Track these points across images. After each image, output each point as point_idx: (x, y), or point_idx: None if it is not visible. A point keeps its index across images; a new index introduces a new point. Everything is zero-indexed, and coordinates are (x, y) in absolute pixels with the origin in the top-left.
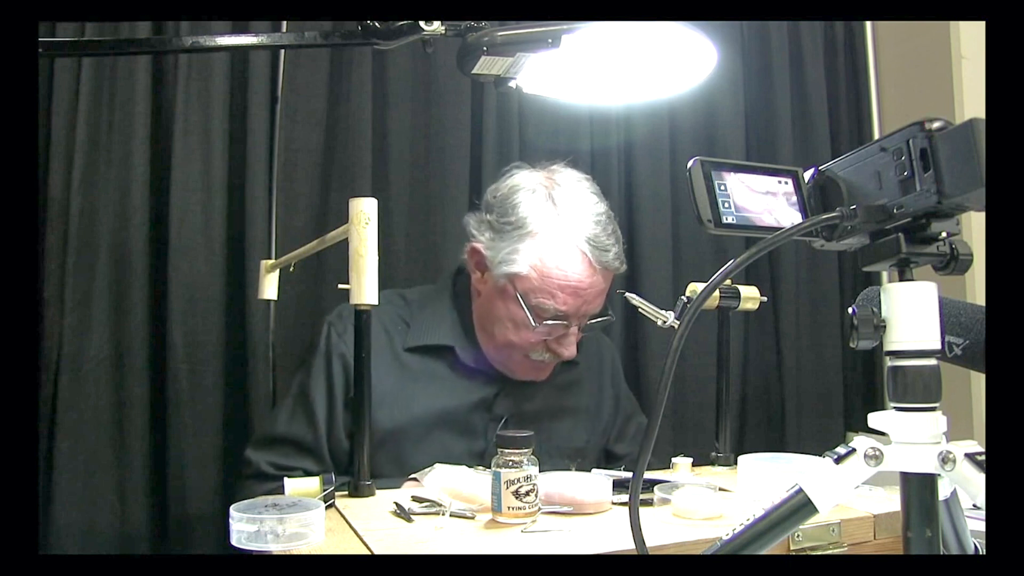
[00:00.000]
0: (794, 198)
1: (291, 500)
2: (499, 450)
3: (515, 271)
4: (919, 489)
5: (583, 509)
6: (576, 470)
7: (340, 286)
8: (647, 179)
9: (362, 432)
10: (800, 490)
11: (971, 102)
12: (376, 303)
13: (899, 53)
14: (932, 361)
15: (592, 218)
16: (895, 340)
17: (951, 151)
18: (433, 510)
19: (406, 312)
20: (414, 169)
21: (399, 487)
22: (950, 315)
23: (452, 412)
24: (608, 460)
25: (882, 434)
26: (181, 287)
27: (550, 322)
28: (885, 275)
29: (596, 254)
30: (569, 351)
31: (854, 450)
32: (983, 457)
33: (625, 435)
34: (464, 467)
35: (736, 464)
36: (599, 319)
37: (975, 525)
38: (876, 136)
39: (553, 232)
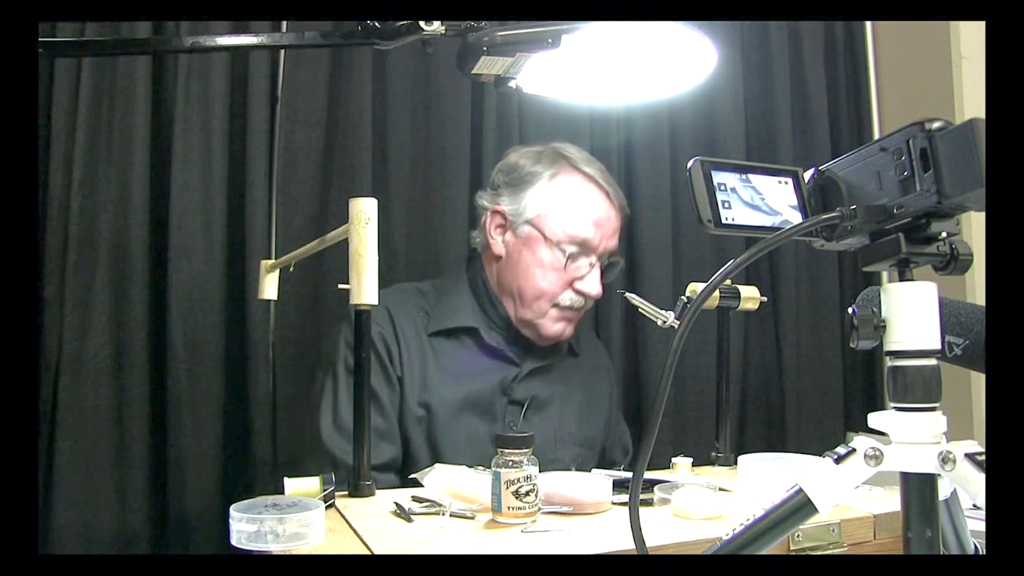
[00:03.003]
0: (794, 198)
1: (291, 500)
2: (499, 450)
3: (540, 211)
4: (919, 489)
5: (583, 509)
6: (576, 470)
7: (340, 286)
8: (647, 179)
9: (363, 432)
10: (800, 490)
11: (971, 102)
12: (376, 303)
13: (899, 53)
14: (932, 361)
15: (592, 163)
16: (895, 340)
17: (951, 151)
18: (433, 510)
19: (425, 302)
20: (414, 169)
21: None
22: (950, 315)
23: (476, 395)
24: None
25: (882, 434)
26: (181, 287)
27: (573, 249)
28: (885, 275)
29: (609, 188)
30: (595, 289)
31: (854, 450)
32: (983, 457)
33: (614, 444)
34: (464, 467)
35: (736, 464)
36: (614, 259)
37: (975, 525)
38: (876, 136)
39: (569, 172)
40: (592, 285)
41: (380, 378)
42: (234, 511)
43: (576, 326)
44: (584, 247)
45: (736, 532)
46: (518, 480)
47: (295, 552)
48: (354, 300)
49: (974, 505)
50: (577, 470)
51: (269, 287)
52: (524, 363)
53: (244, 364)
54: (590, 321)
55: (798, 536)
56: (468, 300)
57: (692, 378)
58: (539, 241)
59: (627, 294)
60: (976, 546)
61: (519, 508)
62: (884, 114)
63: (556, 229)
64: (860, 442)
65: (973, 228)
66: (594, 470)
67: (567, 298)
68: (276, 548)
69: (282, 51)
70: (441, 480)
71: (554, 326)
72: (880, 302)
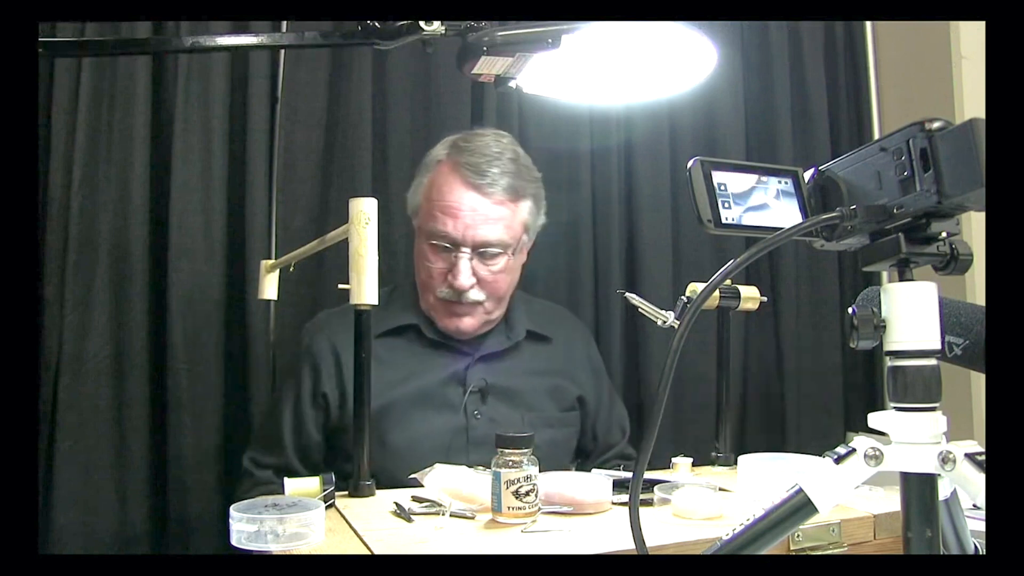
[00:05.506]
0: (794, 198)
1: (291, 500)
2: (499, 450)
3: (415, 204)
4: (919, 489)
5: (583, 509)
6: (576, 470)
7: (340, 286)
8: (647, 179)
9: (362, 433)
10: (800, 490)
11: (971, 102)
12: (376, 303)
13: (899, 53)
14: (932, 361)
15: (479, 150)
16: (895, 340)
17: (951, 151)
18: (433, 510)
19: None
20: (414, 169)
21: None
22: (950, 315)
23: (427, 389)
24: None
25: (882, 434)
26: (181, 287)
27: (441, 242)
28: (885, 275)
29: (472, 177)
30: (458, 281)
31: (854, 450)
32: (983, 457)
33: (611, 427)
34: (464, 467)
35: (736, 464)
36: (493, 249)
37: (975, 525)
38: (876, 136)
39: (443, 162)
40: (456, 277)
41: (290, 392)
42: (234, 511)
43: (482, 320)
44: (447, 240)
45: (736, 532)
46: (518, 480)
47: (295, 552)
48: (354, 300)
49: (974, 505)
50: (556, 454)
51: (269, 287)
52: (476, 352)
53: (244, 364)
54: (590, 317)
55: (798, 536)
56: (411, 300)
57: (692, 378)
58: (416, 234)
59: (627, 294)
60: (976, 546)
61: (519, 508)
62: (884, 114)
63: (423, 222)
64: (860, 442)
65: (973, 228)
66: (594, 470)
67: (443, 292)
68: (276, 548)
69: (282, 51)
70: (441, 480)
71: (447, 320)
72: (880, 302)
